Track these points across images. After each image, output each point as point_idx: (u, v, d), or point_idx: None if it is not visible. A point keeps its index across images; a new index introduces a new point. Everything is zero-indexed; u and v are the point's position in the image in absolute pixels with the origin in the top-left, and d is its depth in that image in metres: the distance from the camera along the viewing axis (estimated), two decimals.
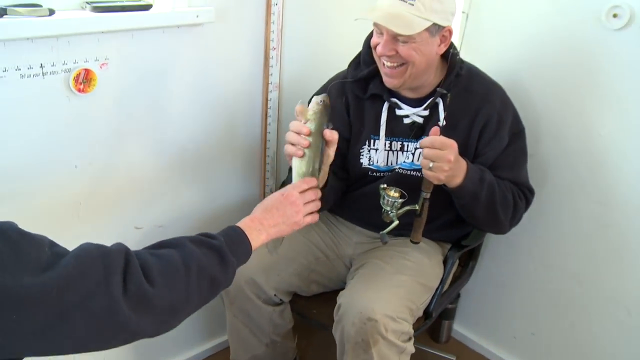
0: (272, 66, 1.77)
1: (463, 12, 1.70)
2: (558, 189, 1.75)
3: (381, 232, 1.40)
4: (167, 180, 1.66)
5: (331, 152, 1.28)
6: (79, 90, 1.37)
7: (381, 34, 1.37)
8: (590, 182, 1.67)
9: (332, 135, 1.25)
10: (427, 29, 1.33)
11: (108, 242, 1.54)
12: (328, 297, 1.63)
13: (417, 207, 1.38)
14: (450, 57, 1.45)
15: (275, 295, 1.55)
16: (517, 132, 1.52)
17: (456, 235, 1.66)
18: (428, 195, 1.37)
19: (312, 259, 1.61)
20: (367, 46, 1.50)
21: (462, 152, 1.43)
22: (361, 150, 1.54)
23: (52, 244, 0.87)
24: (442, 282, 1.59)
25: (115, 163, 1.52)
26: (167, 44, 1.50)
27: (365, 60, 1.52)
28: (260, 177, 1.91)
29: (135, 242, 1.61)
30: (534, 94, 1.73)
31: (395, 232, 1.44)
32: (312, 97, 1.31)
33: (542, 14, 1.66)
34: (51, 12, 1.26)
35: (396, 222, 1.38)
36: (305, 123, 1.26)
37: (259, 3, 1.66)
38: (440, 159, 1.30)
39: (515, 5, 1.73)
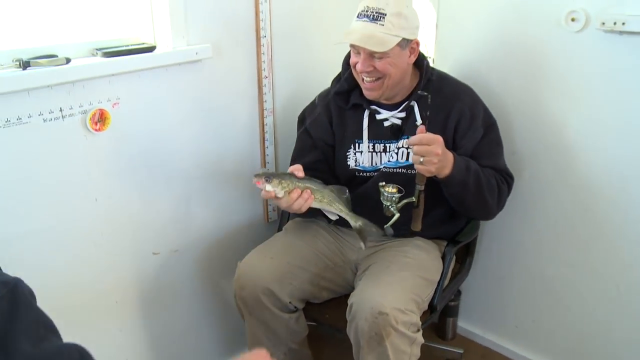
0: (265, 93, 1.91)
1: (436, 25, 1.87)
2: (541, 182, 1.88)
3: (385, 226, 1.52)
4: (178, 207, 1.78)
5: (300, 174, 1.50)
6: (96, 130, 1.49)
7: (358, 53, 1.56)
8: (569, 172, 1.80)
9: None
10: (398, 44, 1.52)
11: (129, 268, 1.67)
12: (338, 302, 1.74)
13: (414, 199, 1.51)
14: (421, 65, 1.65)
15: (290, 302, 1.65)
16: (490, 125, 1.68)
17: (449, 231, 1.79)
18: (422, 187, 1.50)
19: (321, 267, 1.72)
20: (346, 65, 1.69)
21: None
22: (347, 154, 1.72)
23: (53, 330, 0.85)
24: (442, 276, 1.70)
25: (130, 194, 1.63)
26: (170, 81, 1.63)
27: (345, 76, 1.70)
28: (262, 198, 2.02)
29: (154, 267, 1.75)
30: (505, 97, 1.88)
31: (394, 234, 1.56)
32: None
33: (507, 21, 1.82)
34: (67, 60, 1.39)
35: (397, 215, 1.50)
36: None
37: (249, 36, 1.81)
38: (429, 153, 1.44)
39: (481, 14, 1.89)
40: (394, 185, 1.50)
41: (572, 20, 1.63)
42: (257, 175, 1.45)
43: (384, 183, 1.51)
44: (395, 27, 1.51)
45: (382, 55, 1.52)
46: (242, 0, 1.76)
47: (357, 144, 1.71)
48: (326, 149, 1.76)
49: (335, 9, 2.00)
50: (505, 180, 1.68)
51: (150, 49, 1.56)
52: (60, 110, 1.42)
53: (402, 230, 1.59)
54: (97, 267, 1.62)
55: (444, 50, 2.00)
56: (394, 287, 1.52)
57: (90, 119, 1.47)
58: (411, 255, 1.65)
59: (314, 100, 1.80)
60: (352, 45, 1.58)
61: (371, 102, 1.68)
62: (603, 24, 1.55)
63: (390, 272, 1.58)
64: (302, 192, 1.47)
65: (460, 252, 1.88)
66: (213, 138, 1.81)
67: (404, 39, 1.53)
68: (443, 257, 1.74)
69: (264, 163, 1.98)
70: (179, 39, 1.61)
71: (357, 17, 1.55)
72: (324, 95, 1.77)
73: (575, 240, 1.86)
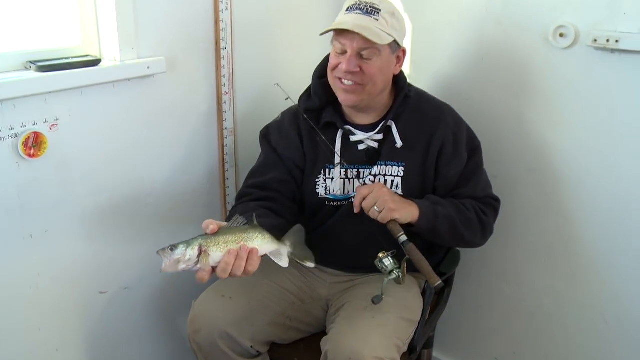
0: (225, 111, 1.74)
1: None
2: (523, 207, 1.78)
3: (373, 297, 1.40)
4: (128, 238, 1.59)
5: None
6: (29, 156, 1.29)
7: (344, 52, 1.41)
8: (553, 197, 1.70)
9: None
10: (389, 45, 1.41)
11: (72, 310, 1.47)
12: (308, 343, 1.58)
13: (406, 257, 1.37)
14: (399, 79, 1.52)
15: (252, 347, 1.48)
16: (474, 148, 1.56)
17: (433, 261, 1.63)
18: (404, 237, 1.37)
19: (286, 306, 1.55)
20: (317, 77, 1.55)
21: (423, 173, 1.49)
22: (317, 180, 1.54)
23: None
24: (423, 314, 1.56)
25: (71, 228, 1.44)
26: (118, 99, 1.45)
27: (316, 91, 1.54)
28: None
29: (100, 308, 1.55)
30: (487, 116, 1.76)
31: (369, 269, 1.43)
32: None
33: (489, 35, 1.70)
34: None
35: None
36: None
37: (208, 48, 1.64)
38: (376, 198, 1.37)
39: (460, 27, 1.77)
40: (383, 252, 1.37)
41: (561, 35, 1.53)
42: (159, 253, 1.13)
43: (377, 261, 1.37)
44: (389, 26, 1.40)
45: (371, 56, 1.39)
46: (200, 8, 1.59)
47: (328, 170, 1.54)
48: (295, 171, 1.56)
49: (304, 17, 1.85)
50: (489, 205, 1.56)
51: (95, 63, 1.37)
52: None
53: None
54: (33, 312, 1.42)
55: (420, 65, 1.88)
56: (374, 332, 1.36)
57: (23, 143, 1.27)
58: (391, 294, 1.48)
59: (281, 116, 1.62)
60: (338, 41, 1.42)
61: (345, 122, 1.53)
62: (595, 40, 1.45)
63: (368, 314, 1.42)
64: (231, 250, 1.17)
65: None
66: (167, 162, 1.63)
67: (395, 42, 1.42)
68: (423, 293, 1.59)
69: (224, 186, 1.81)
70: (127, 51, 1.43)
71: (348, 10, 1.42)
72: (292, 112, 1.60)
73: (559, 270, 1.76)
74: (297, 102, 1.58)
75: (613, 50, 1.47)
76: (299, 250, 1.31)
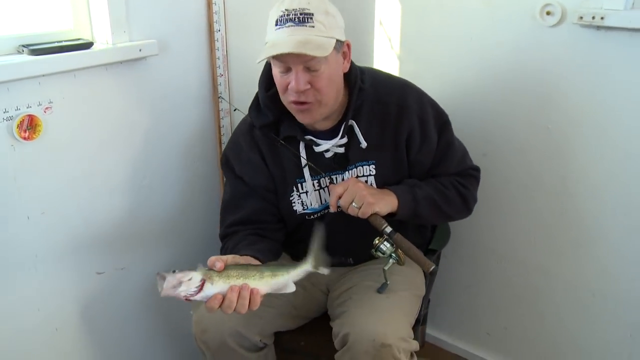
0: (221, 93, 1.75)
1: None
2: (513, 185, 1.79)
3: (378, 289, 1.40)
4: (124, 219, 1.61)
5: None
6: (24, 138, 1.31)
7: (288, 70, 1.30)
8: (543, 175, 1.72)
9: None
10: (334, 47, 1.29)
11: (70, 291, 1.49)
12: (312, 327, 1.59)
13: (394, 246, 1.36)
14: (349, 74, 1.41)
15: (260, 340, 1.47)
16: (442, 125, 1.50)
17: (418, 242, 1.58)
18: (389, 229, 1.35)
19: (291, 295, 1.54)
20: (265, 90, 1.44)
21: (395, 166, 1.46)
22: (291, 198, 1.48)
23: None
24: (427, 287, 1.59)
25: (68, 209, 1.46)
26: (110, 81, 1.46)
27: (266, 105, 1.44)
28: (218, 203, 1.87)
29: (98, 288, 1.57)
30: (479, 96, 1.77)
31: (368, 259, 1.46)
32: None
33: (477, 14, 1.71)
34: None
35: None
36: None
37: (200, 30, 1.65)
38: (352, 194, 1.33)
39: (448, 6, 1.76)
40: (378, 238, 1.36)
41: (548, 14, 1.54)
42: (159, 274, 1.10)
43: (376, 242, 1.36)
44: (327, 28, 1.28)
45: (318, 67, 1.27)
46: None
47: (299, 185, 1.47)
48: (268, 195, 1.49)
49: None
50: (468, 176, 1.54)
51: (87, 46, 1.38)
52: None
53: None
54: (32, 293, 1.44)
55: (410, 49, 1.89)
56: (394, 313, 1.37)
57: (18, 126, 1.29)
58: (397, 271, 1.47)
59: (235, 137, 1.53)
60: (277, 62, 1.30)
61: (306, 131, 1.45)
62: (581, 18, 1.47)
63: (384, 295, 1.41)
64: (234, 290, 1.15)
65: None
66: (161, 144, 1.64)
67: (337, 41, 1.31)
68: None
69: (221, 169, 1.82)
70: (119, 34, 1.43)
71: (278, 24, 1.28)
72: (246, 130, 1.49)
73: (549, 247, 1.78)
74: (246, 113, 1.50)
75: (599, 27, 1.48)
76: (318, 262, 1.30)
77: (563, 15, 1.53)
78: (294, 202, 1.48)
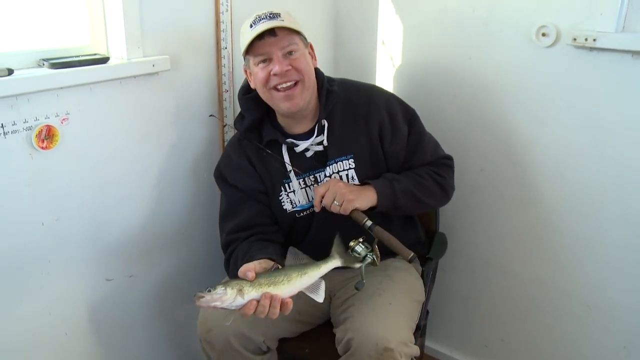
0: (226, 108, 1.81)
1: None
2: (509, 200, 1.85)
3: (356, 284, 1.43)
4: (133, 229, 1.66)
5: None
6: (42, 148, 1.36)
7: (269, 59, 1.44)
8: (537, 190, 1.78)
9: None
10: (301, 39, 1.47)
11: (80, 296, 1.54)
12: (315, 334, 1.63)
13: (375, 239, 1.41)
14: (317, 78, 1.54)
15: (264, 342, 1.51)
16: (411, 117, 1.61)
17: (408, 241, 1.58)
18: (369, 222, 1.42)
19: (294, 299, 1.59)
20: (242, 95, 1.58)
21: (372, 158, 1.54)
22: (280, 198, 1.57)
23: None
24: (427, 295, 1.64)
25: (81, 216, 1.51)
26: (124, 95, 1.52)
27: (246, 108, 1.58)
28: None
29: (107, 294, 1.62)
30: (477, 113, 1.84)
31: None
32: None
33: (476, 35, 1.78)
34: (10, 71, 1.26)
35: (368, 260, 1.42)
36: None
37: (209, 48, 1.72)
38: (333, 193, 1.42)
39: (448, 26, 1.84)
40: (354, 241, 1.41)
41: (543, 35, 1.61)
42: (197, 294, 1.21)
43: (350, 248, 1.41)
44: (292, 22, 1.46)
45: (296, 48, 1.44)
46: (202, 9, 1.67)
47: (286, 184, 1.56)
48: (262, 198, 1.58)
49: (301, 17, 1.91)
50: (442, 167, 1.62)
51: (103, 60, 1.44)
52: (2, 126, 1.29)
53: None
54: (44, 297, 1.48)
55: (410, 65, 1.96)
56: (396, 318, 1.43)
57: (37, 135, 1.34)
58: (397, 278, 1.55)
59: (226, 151, 1.66)
60: (259, 54, 1.44)
61: (286, 135, 1.56)
62: (575, 39, 1.54)
63: (384, 301, 1.47)
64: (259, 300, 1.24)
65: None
66: (171, 156, 1.70)
67: (303, 36, 1.49)
68: (422, 276, 1.67)
69: None
70: (134, 50, 1.50)
71: (252, 26, 1.44)
72: (233, 142, 1.63)
73: (543, 259, 1.83)
74: (219, 119, 1.64)
75: (591, 49, 1.55)
76: (346, 257, 1.40)
77: (558, 37, 1.60)
78: (283, 202, 1.57)
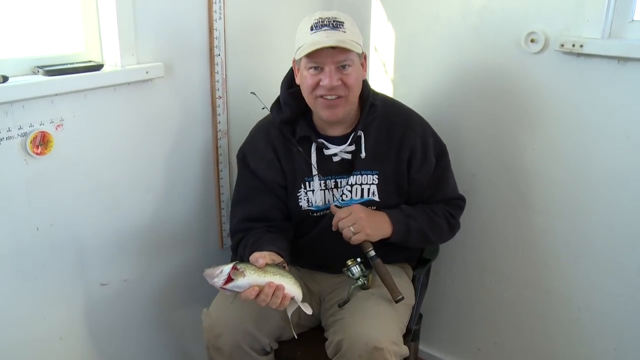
0: (219, 114, 1.83)
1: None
2: (501, 203, 1.87)
3: (340, 304, 1.50)
4: (128, 233, 1.67)
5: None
6: (37, 153, 1.38)
7: (321, 69, 1.43)
8: (528, 194, 1.80)
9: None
10: (357, 53, 1.46)
11: (75, 301, 1.55)
12: (308, 338, 1.63)
13: (372, 269, 1.48)
14: (362, 89, 1.54)
15: (268, 343, 1.53)
16: (441, 152, 1.64)
17: (407, 256, 1.73)
18: (372, 253, 1.47)
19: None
20: (286, 89, 1.58)
21: (396, 179, 1.57)
22: (298, 194, 1.59)
23: None
24: (417, 299, 1.67)
25: (75, 222, 1.52)
26: (119, 101, 1.54)
27: (286, 102, 1.57)
28: (216, 221, 1.94)
29: (102, 299, 1.63)
30: (468, 119, 1.86)
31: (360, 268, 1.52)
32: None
33: (466, 42, 1.80)
34: (4, 78, 1.28)
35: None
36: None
37: (202, 55, 1.73)
38: (353, 220, 1.45)
39: (440, 35, 1.86)
40: (350, 260, 1.47)
41: (532, 41, 1.64)
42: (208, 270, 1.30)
43: (344, 269, 1.47)
44: (354, 35, 1.45)
45: (351, 64, 1.43)
46: (195, 17, 1.69)
47: (307, 183, 1.58)
48: (280, 192, 1.61)
49: (292, 25, 1.93)
50: (456, 206, 1.68)
51: (97, 68, 1.46)
52: None
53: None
54: (38, 301, 1.49)
55: (402, 71, 1.98)
56: (385, 319, 1.45)
57: (31, 142, 1.36)
58: None
59: (252, 135, 1.66)
60: (314, 60, 1.43)
61: (318, 134, 1.58)
62: (562, 45, 1.56)
63: (373, 303, 1.49)
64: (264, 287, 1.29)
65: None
66: (165, 162, 1.72)
67: (360, 46, 1.49)
68: (413, 279, 1.70)
69: (218, 186, 1.90)
70: (128, 57, 1.52)
71: (313, 29, 1.43)
72: (263, 129, 1.63)
73: (534, 263, 1.85)
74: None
75: (579, 55, 1.58)
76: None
77: (546, 43, 1.63)
78: (301, 199, 1.59)
